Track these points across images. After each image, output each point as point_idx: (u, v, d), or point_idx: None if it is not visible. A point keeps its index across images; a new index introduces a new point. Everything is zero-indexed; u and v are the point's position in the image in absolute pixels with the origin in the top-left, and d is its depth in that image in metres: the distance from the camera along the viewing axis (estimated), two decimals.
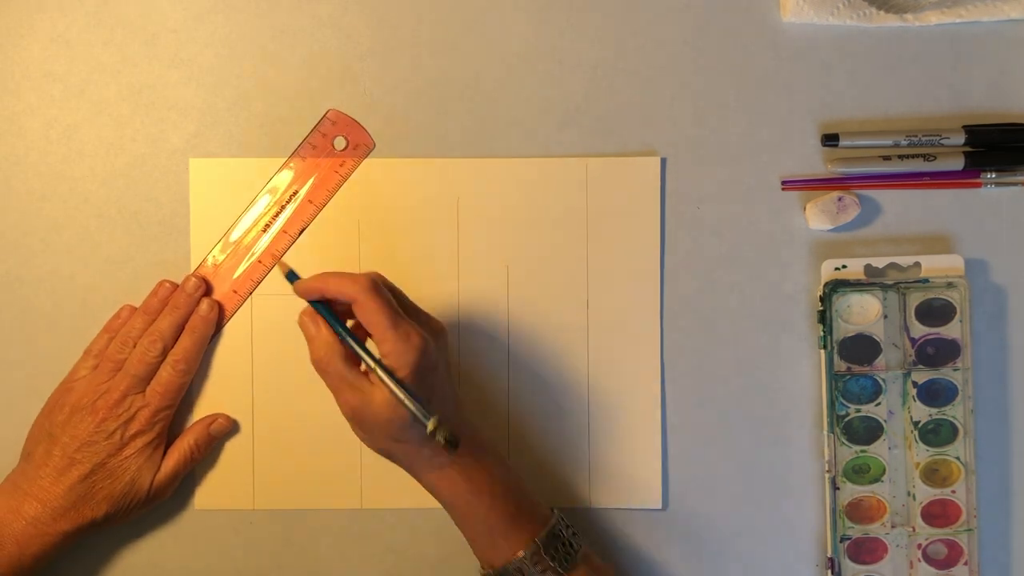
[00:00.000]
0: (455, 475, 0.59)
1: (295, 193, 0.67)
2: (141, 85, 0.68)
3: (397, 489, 0.67)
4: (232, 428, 0.67)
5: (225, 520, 0.68)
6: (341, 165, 0.67)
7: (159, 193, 0.68)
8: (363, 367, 0.58)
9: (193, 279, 0.66)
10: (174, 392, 0.65)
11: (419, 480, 0.61)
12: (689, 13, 0.68)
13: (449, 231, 0.68)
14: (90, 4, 0.68)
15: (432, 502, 0.66)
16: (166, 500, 0.66)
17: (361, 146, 0.67)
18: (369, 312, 0.57)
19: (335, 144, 0.67)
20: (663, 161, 0.68)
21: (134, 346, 0.65)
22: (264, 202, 0.67)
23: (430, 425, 0.55)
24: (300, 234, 0.67)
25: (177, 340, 0.65)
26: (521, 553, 0.59)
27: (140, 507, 0.64)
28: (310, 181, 0.67)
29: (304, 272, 0.61)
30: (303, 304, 0.60)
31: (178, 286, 0.66)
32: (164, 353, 0.64)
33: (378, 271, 0.60)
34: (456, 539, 0.67)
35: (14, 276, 0.68)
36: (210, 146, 0.68)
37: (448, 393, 0.60)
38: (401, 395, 0.56)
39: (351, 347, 0.58)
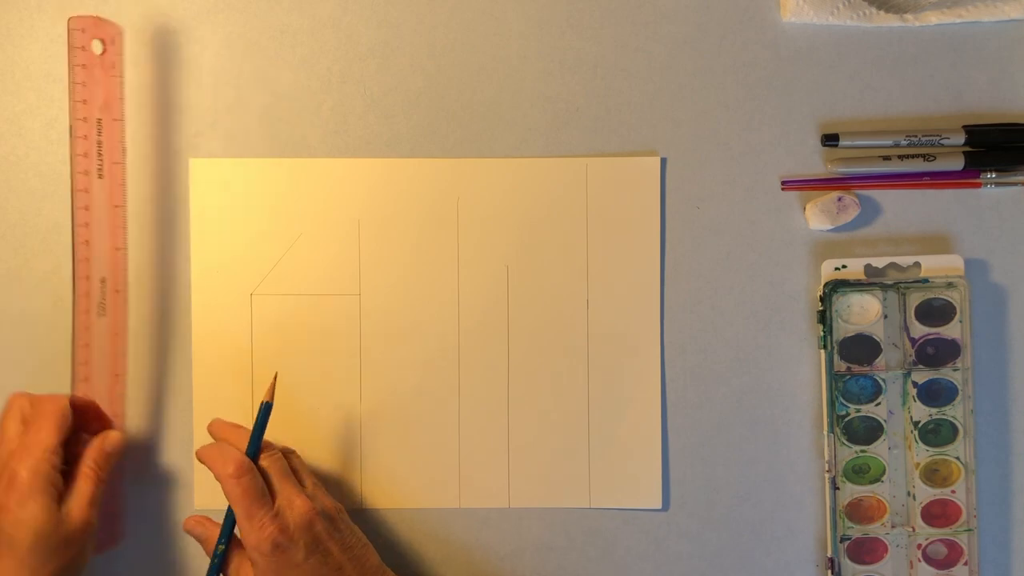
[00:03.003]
0: None
1: (99, 121, 0.65)
2: (141, 85, 0.68)
3: (397, 489, 0.67)
4: (124, 442, 0.65)
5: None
6: (113, 67, 0.65)
7: (159, 193, 0.68)
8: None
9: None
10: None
11: None
12: (689, 13, 0.68)
13: (449, 231, 0.68)
14: (90, 4, 0.68)
15: (432, 502, 0.67)
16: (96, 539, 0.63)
17: (116, 38, 0.64)
18: (229, 498, 0.60)
19: (94, 50, 0.64)
20: (663, 161, 0.68)
21: None
22: (83, 148, 0.64)
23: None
24: (125, 155, 0.66)
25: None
26: None
27: (75, 558, 0.60)
28: (100, 102, 0.65)
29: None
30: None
31: None
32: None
33: (286, 445, 0.66)
34: (456, 539, 0.68)
35: (14, 276, 0.68)
36: (210, 146, 0.68)
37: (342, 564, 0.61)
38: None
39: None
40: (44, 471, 0.59)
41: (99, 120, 0.65)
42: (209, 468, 0.61)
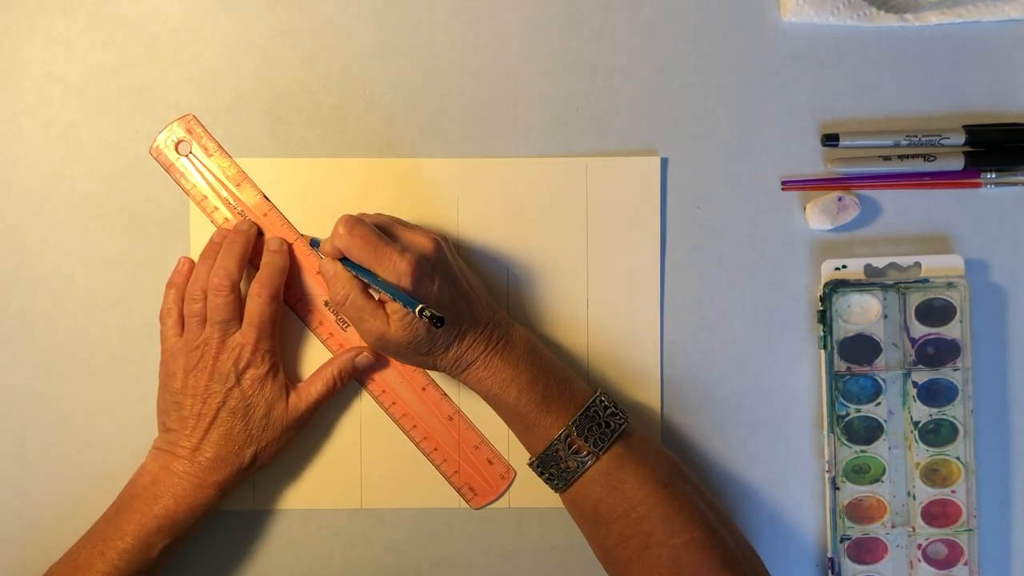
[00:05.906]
0: (481, 372, 0.63)
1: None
2: (141, 85, 0.68)
3: (397, 489, 0.67)
4: (375, 364, 0.67)
5: (226, 520, 0.68)
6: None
7: (159, 193, 0.68)
8: (378, 297, 0.62)
9: (244, 219, 0.67)
10: (266, 322, 0.64)
11: (458, 380, 0.64)
12: (689, 13, 0.68)
13: (449, 231, 0.68)
14: (90, 4, 0.68)
15: (432, 502, 0.67)
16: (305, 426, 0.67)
17: (192, 127, 0.67)
18: (355, 253, 0.61)
19: (182, 151, 0.67)
20: (663, 161, 0.68)
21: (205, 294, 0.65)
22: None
23: (417, 311, 0.58)
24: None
25: (242, 273, 0.65)
26: (555, 434, 0.61)
27: (282, 438, 0.65)
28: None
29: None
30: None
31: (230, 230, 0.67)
32: (234, 288, 0.64)
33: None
34: (456, 539, 0.67)
35: (14, 276, 0.68)
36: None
37: (460, 293, 0.62)
38: (395, 297, 0.60)
39: (363, 278, 0.61)
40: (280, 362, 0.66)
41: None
42: (330, 250, 0.63)
